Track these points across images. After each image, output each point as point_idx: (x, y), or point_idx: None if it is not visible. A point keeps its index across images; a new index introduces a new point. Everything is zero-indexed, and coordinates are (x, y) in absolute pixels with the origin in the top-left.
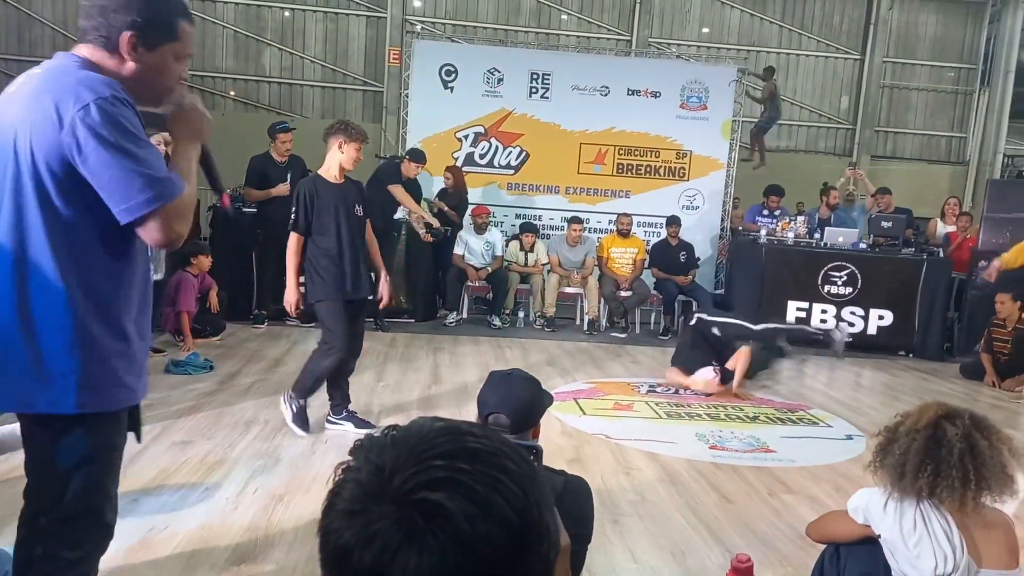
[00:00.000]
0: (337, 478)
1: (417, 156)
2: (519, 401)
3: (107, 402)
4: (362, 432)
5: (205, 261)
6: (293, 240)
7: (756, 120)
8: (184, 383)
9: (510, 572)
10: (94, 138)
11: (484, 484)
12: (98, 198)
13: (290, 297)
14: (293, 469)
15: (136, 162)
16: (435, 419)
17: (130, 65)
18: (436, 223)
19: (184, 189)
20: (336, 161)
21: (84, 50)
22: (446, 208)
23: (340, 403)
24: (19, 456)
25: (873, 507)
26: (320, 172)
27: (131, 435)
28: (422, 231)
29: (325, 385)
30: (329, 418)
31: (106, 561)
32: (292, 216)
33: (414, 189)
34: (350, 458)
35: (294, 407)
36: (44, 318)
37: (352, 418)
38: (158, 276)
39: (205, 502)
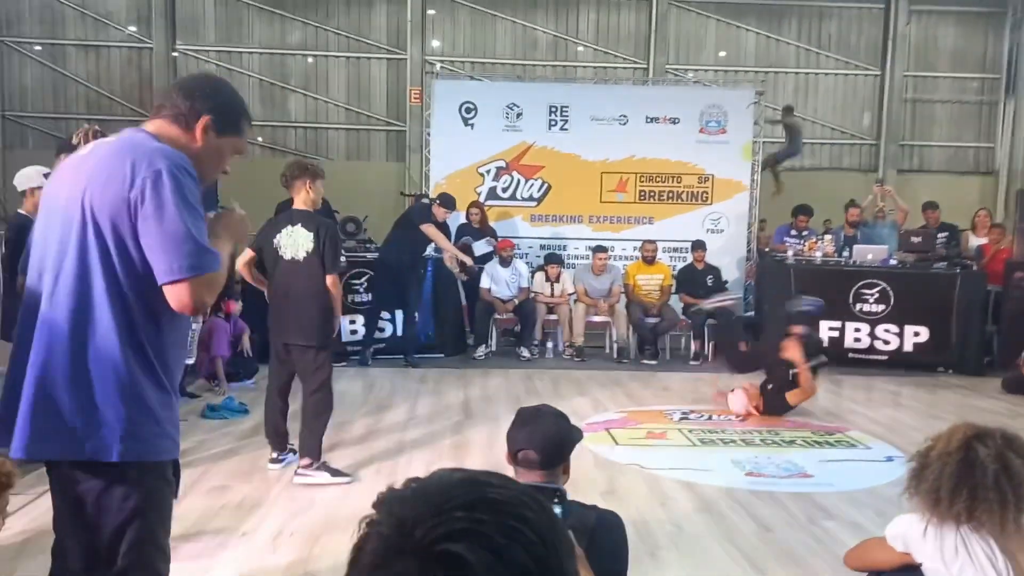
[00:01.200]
0: (360, 532)
1: (448, 202)
2: (548, 437)
3: (153, 452)
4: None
5: (236, 306)
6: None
7: (775, 151)
8: (220, 427)
9: None
10: (158, 198)
11: (502, 534)
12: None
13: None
14: (328, 510)
15: (189, 230)
16: (455, 470)
17: (198, 144)
18: (470, 261)
19: (220, 266)
20: (310, 201)
21: (154, 125)
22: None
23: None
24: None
25: (912, 534)
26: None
27: None
28: (456, 270)
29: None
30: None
31: None
32: (344, 261)
33: (444, 231)
34: (373, 511)
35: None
36: (97, 368)
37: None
38: (197, 325)
39: (244, 546)
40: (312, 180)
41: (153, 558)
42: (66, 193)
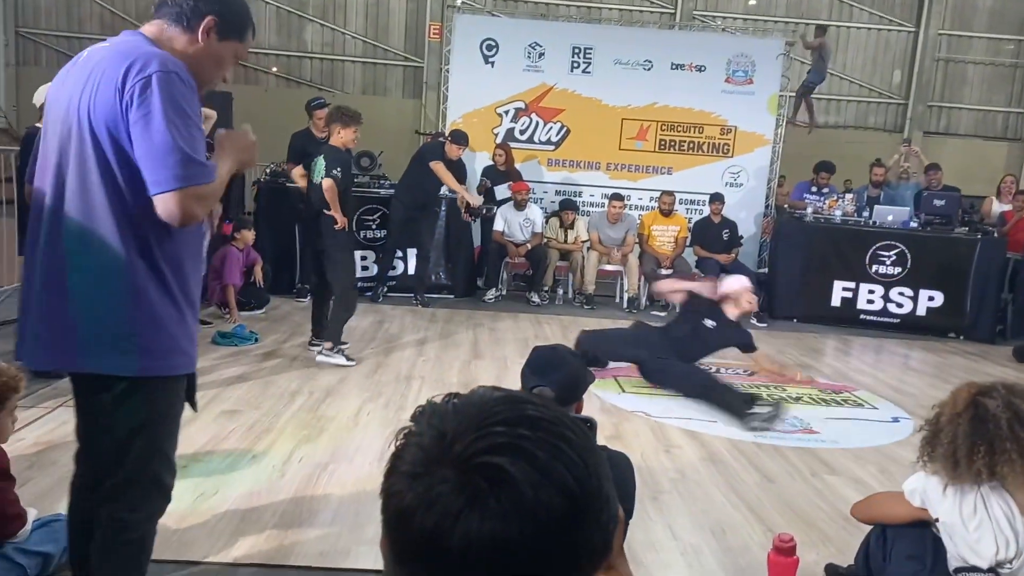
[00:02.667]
0: (398, 442)
1: (459, 138)
2: (565, 375)
3: (167, 367)
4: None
5: (249, 235)
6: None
7: (805, 80)
8: (231, 354)
9: (569, 541)
10: (146, 105)
11: (545, 451)
12: None
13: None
14: (336, 440)
15: (180, 139)
16: (494, 388)
17: (199, 47)
18: (476, 202)
19: (214, 179)
20: (340, 143)
21: (153, 27)
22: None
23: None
24: (58, 424)
25: (931, 490)
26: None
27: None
28: (462, 209)
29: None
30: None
31: (158, 523)
32: (339, 173)
33: (458, 169)
34: (411, 424)
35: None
36: (106, 282)
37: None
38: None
39: (253, 469)
40: (340, 126)
41: (160, 469)
42: (64, 102)
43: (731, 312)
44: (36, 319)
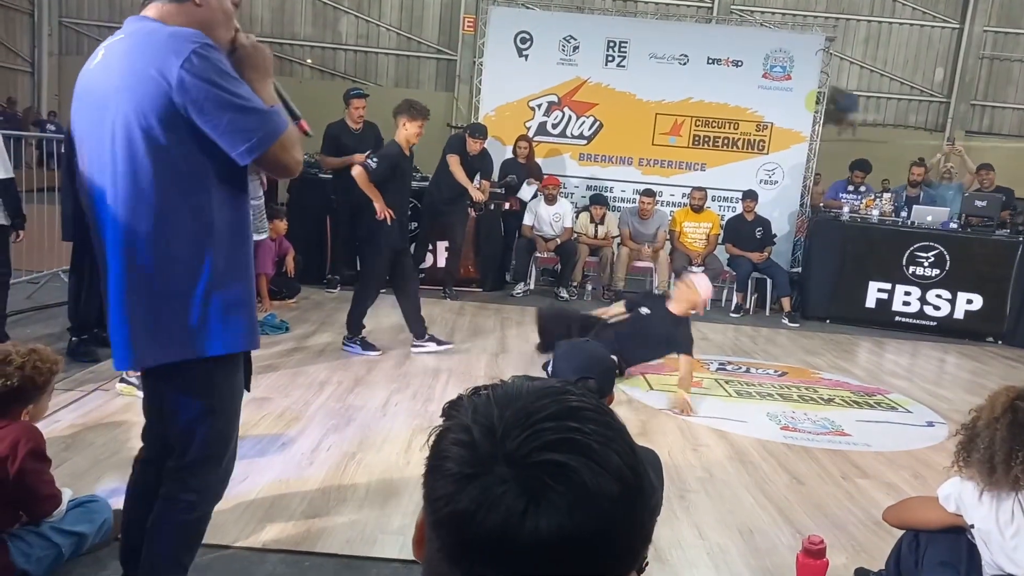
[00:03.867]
0: (433, 440)
1: (476, 131)
2: (602, 365)
3: (230, 344)
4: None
5: (281, 225)
6: (365, 174)
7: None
8: (262, 343)
9: (627, 527)
10: (206, 87)
11: (598, 442)
12: (211, 148)
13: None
14: (364, 429)
15: (245, 101)
16: (528, 377)
17: (201, 9)
18: (480, 197)
19: (286, 124)
20: (403, 137)
21: (152, 10)
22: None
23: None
24: (94, 407)
25: (967, 496)
26: (397, 141)
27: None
28: (467, 203)
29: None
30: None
31: None
32: (375, 163)
33: (483, 162)
34: (445, 419)
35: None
36: (175, 270)
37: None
38: (260, 236)
39: (282, 455)
40: (407, 119)
41: (222, 453)
42: (96, 108)
43: (674, 307)
44: (115, 319)
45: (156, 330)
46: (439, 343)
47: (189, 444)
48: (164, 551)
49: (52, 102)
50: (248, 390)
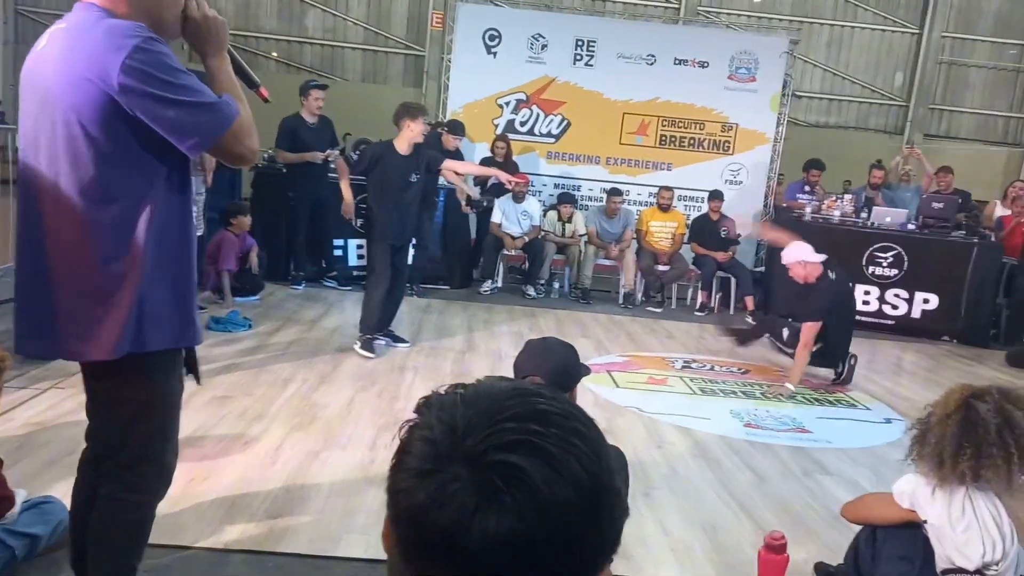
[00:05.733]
0: (403, 435)
1: (455, 128)
2: (555, 364)
3: (165, 340)
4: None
5: (245, 221)
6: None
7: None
8: (224, 340)
9: (585, 536)
10: (146, 84)
11: (558, 447)
12: (151, 142)
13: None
14: (328, 427)
15: (190, 95)
16: (501, 379)
17: None
18: (474, 194)
19: (239, 108)
20: (404, 138)
21: None
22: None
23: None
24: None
25: (921, 492)
26: (394, 141)
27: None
28: (462, 202)
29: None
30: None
31: None
32: (355, 156)
33: (455, 160)
34: (415, 416)
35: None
36: (108, 262)
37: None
38: (199, 232)
39: (244, 454)
40: (409, 119)
41: (162, 451)
42: (39, 97)
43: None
44: (24, 306)
45: (88, 324)
46: (395, 340)
47: (126, 441)
48: (110, 553)
49: (8, 93)
50: (199, 383)
